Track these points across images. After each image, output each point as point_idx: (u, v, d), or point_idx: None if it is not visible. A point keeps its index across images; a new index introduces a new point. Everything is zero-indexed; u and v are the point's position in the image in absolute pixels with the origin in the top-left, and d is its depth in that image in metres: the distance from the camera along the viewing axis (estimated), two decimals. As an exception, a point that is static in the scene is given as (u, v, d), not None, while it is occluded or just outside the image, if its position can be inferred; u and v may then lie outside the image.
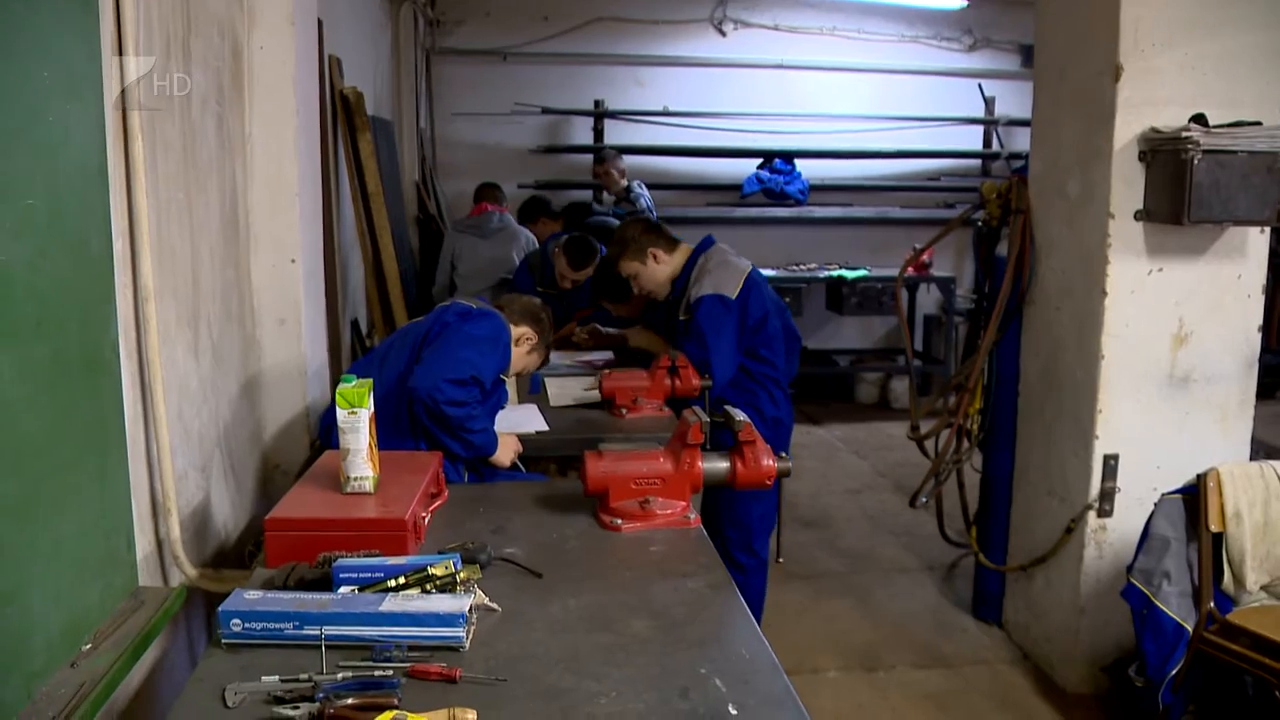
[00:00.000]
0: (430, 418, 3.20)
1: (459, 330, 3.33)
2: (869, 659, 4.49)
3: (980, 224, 4.85)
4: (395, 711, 1.68)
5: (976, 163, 9.67)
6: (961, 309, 8.17)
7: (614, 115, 9.05)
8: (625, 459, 2.80)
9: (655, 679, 1.93)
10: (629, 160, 8.57)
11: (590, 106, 9.05)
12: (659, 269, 4.26)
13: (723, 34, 9.23)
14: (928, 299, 9.19)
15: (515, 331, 3.56)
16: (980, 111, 9.56)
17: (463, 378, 3.19)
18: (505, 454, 3.41)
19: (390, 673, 1.88)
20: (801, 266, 8.54)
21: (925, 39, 9.51)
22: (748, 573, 4.20)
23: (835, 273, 8.33)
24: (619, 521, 2.72)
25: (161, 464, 2.62)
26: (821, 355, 9.07)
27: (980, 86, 9.50)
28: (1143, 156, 3.95)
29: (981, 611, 4.84)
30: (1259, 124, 3.87)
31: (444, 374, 3.17)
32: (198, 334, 3.04)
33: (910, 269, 8.35)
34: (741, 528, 4.17)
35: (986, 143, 9.68)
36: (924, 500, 4.92)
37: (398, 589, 2.12)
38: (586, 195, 8.49)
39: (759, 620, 4.16)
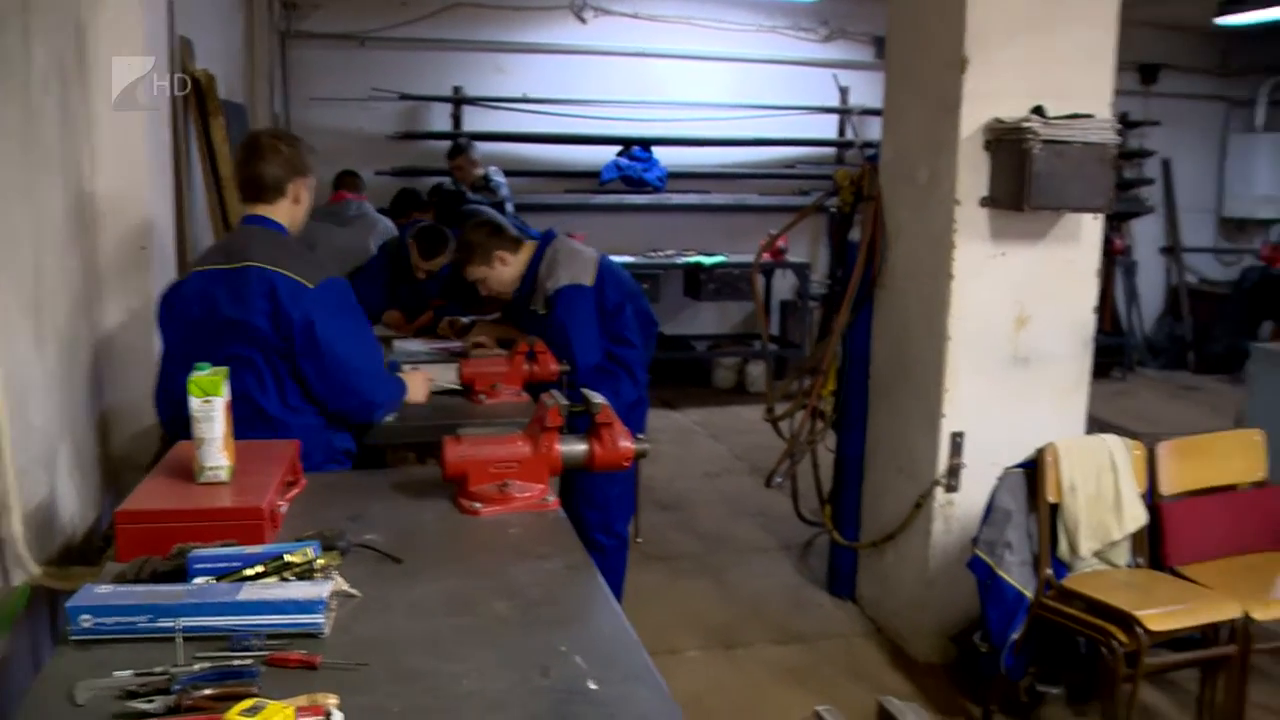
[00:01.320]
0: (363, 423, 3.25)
1: (341, 330, 3.11)
2: (727, 637, 4.58)
3: (834, 210, 4.97)
4: (254, 700, 1.65)
5: (832, 151, 9.86)
6: (816, 294, 8.35)
7: (473, 102, 8.99)
8: (483, 443, 2.80)
9: (516, 659, 1.93)
10: (489, 147, 8.52)
11: (449, 93, 8.96)
12: (505, 270, 4.25)
13: (583, 21, 9.24)
14: (784, 284, 9.37)
15: (301, 205, 3.32)
16: (835, 101, 9.76)
17: (381, 374, 3.22)
18: (419, 391, 3.50)
19: (249, 661, 1.85)
20: (659, 253, 8.62)
21: (782, 29, 9.66)
22: (607, 553, 4.24)
23: (693, 259, 8.43)
24: (478, 505, 2.71)
25: (1, 459, 2.52)
26: (679, 341, 9.17)
27: (835, 77, 9.70)
28: (987, 145, 4.10)
29: (836, 588, 4.97)
30: (1092, 116, 4.06)
31: (375, 394, 3.20)
32: (40, 323, 2.93)
33: (766, 255, 8.51)
34: (600, 509, 4.20)
35: (841, 131, 9.89)
36: (779, 481, 5.03)
37: (255, 578, 2.09)
38: (445, 182, 8.40)
39: (619, 601, 4.23)
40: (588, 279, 4.09)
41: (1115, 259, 10.58)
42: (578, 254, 4.20)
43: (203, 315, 3.06)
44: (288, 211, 3.21)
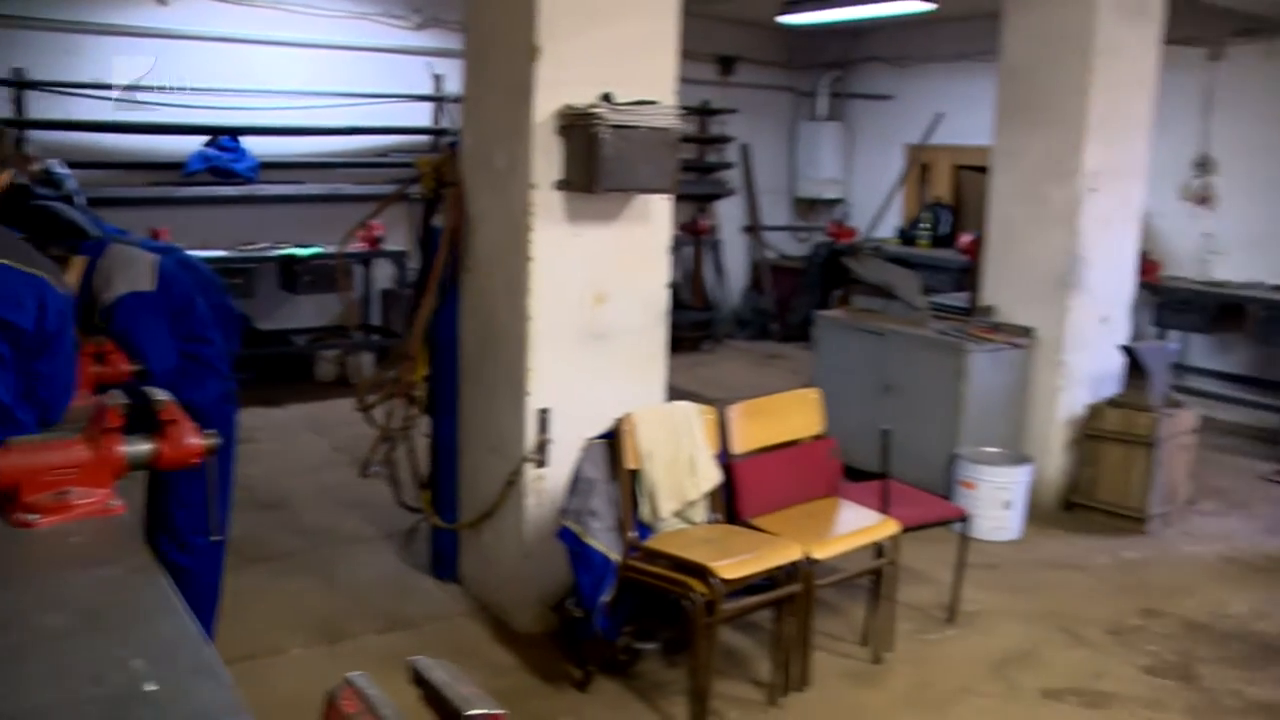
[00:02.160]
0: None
1: (71, 339, 3.01)
2: (332, 632, 4.52)
3: (418, 198, 5.00)
4: None
5: (428, 139, 9.85)
6: (415, 281, 8.33)
7: (39, 86, 8.25)
8: (37, 450, 2.63)
9: (66, 671, 1.84)
10: (60, 136, 7.92)
11: (8, 75, 8.19)
12: None
13: (163, 2, 8.71)
14: (384, 273, 9.30)
15: None
16: (429, 89, 9.76)
17: None
18: None
19: None
20: (252, 246, 8.31)
21: (374, 15, 9.54)
22: (202, 554, 4.08)
23: (287, 251, 8.21)
24: (34, 516, 2.54)
25: None
26: (278, 336, 8.88)
27: (429, 64, 9.70)
28: (560, 131, 4.25)
29: (439, 571, 5.02)
30: (657, 103, 4.30)
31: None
32: None
33: (364, 244, 8.44)
34: (191, 508, 4.03)
35: (436, 119, 9.90)
36: (374, 470, 5.03)
37: None
38: (13, 173, 7.68)
39: (217, 603, 4.11)
40: (147, 284, 3.91)
41: (701, 238, 11.28)
42: (133, 260, 4.00)
43: None
44: None
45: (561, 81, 4.23)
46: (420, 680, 1.35)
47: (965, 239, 9.73)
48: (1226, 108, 8.75)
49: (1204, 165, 8.88)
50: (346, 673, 1.65)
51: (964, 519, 4.84)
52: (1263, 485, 7.26)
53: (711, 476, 4.20)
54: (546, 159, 4.24)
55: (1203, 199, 8.91)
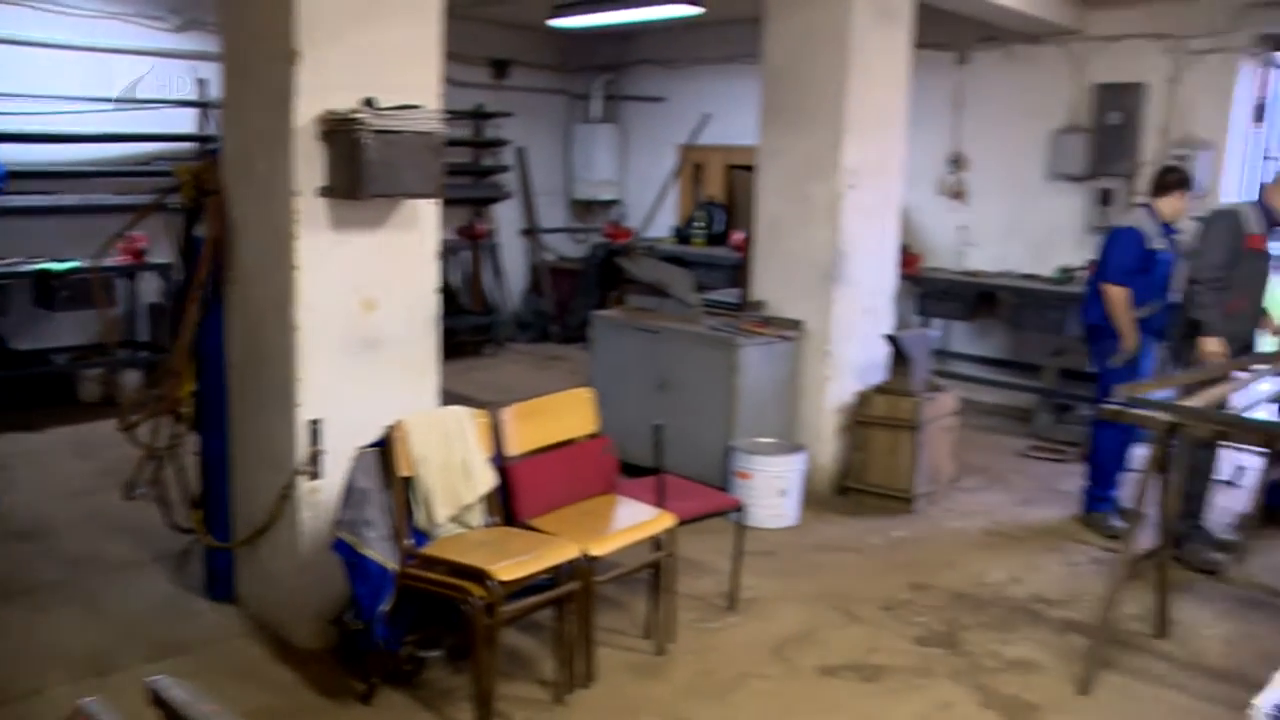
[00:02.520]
0: None
1: None
2: (100, 665, 4.30)
3: (178, 207, 4.84)
4: None
5: (193, 146, 9.50)
6: (177, 294, 8.02)
7: None
8: None
9: None
10: None
11: None
12: None
13: (-113, -6, 8.12)
14: (150, 287, 8.91)
15: None
16: (193, 94, 9.41)
17: None
18: None
19: None
20: (2, 261, 7.84)
21: (130, 16, 9.11)
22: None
23: (42, 266, 7.78)
24: None
25: None
26: (35, 356, 8.40)
27: (193, 69, 9.35)
28: (323, 137, 4.17)
29: (215, 591, 4.86)
30: (420, 107, 4.27)
31: None
32: None
33: (126, 257, 8.09)
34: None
35: (201, 126, 9.55)
36: (141, 491, 4.84)
37: None
38: None
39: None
40: None
41: (479, 242, 11.27)
42: None
43: None
44: None
45: (323, 86, 4.16)
46: (159, 701, 1.32)
47: (738, 236, 10.02)
48: (974, 108, 9.28)
49: (957, 162, 9.39)
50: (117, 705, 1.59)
51: (740, 509, 4.98)
52: (1019, 461, 7.75)
53: (486, 480, 4.21)
54: (309, 166, 4.16)
55: (957, 194, 9.42)
